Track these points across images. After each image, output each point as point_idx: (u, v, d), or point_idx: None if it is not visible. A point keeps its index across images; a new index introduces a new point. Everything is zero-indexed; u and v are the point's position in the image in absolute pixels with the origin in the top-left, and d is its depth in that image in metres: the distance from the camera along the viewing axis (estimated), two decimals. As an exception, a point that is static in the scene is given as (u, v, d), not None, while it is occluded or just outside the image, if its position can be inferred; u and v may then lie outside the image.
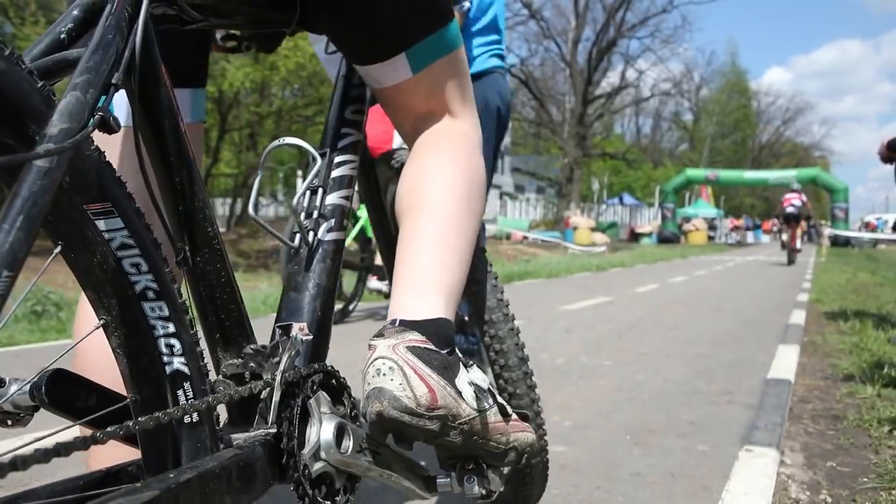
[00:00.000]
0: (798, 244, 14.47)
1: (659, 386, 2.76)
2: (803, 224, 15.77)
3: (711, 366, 3.19)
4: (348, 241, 4.16)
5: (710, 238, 34.81)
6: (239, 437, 0.74)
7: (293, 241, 0.95)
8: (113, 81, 0.58)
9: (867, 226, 35.77)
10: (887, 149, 3.88)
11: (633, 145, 45.84)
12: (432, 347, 0.79)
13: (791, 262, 13.37)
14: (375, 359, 0.77)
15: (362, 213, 4.22)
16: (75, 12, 0.62)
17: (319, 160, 0.95)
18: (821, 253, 18.60)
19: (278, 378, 0.75)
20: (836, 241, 26.61)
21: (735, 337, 4.07)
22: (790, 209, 14.56)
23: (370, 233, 4.25)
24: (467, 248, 0.94)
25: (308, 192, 0.98)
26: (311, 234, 0.95)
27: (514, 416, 0.92)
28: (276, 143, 0.96)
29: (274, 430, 0.74)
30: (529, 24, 32.20)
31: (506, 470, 0.96)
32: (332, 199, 0.98)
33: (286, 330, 0.88)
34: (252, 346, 0.79)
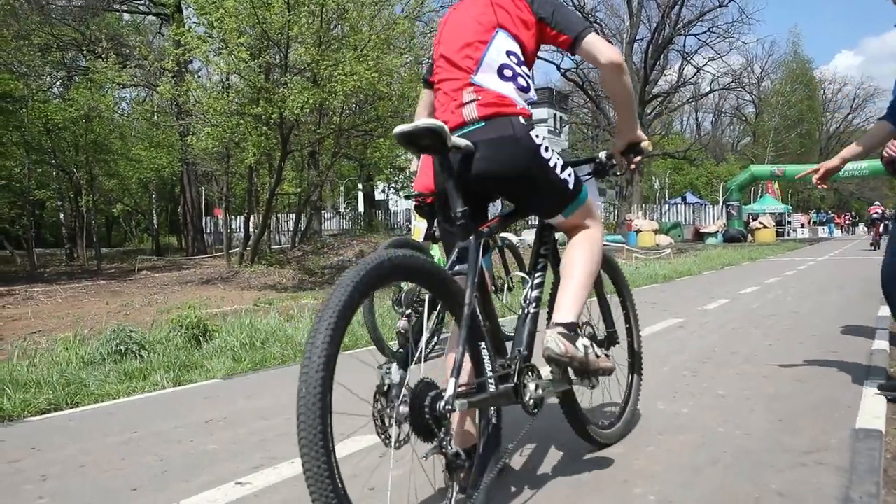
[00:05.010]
0: (880, 237, 21.79)
1: (741, 442, 2.70)
2: (879, 226, 23.05)
3: (794, 411, 3.10)
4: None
5: (779, 234, 33.78)
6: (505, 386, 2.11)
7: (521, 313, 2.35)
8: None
9: (948, 216, 34.09)
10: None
11: (693, 142, 44.79)
12: (565, 332, 2.15)
13: (875, 247, 21.65)
14: (547, 336, 2.13)
15: (435, 252, 4.58)
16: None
17: (530, 280, 2.38)
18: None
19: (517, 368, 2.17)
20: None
21: (816, 371, 3.95)
22: (875, 216, 24.31)
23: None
24: (586, 292, 2.28)
25: (528, 291, 2.37)
26: (531, 306, 2.35)
27: (602, 355, 2.29)
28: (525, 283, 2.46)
29: (514, 384, 2.13)
30: (583, 25, 31.73)
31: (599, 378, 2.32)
32: (535, 293, 2.37)
33: (518, 351, 2.24)
34: (509, 357, 2.20)
